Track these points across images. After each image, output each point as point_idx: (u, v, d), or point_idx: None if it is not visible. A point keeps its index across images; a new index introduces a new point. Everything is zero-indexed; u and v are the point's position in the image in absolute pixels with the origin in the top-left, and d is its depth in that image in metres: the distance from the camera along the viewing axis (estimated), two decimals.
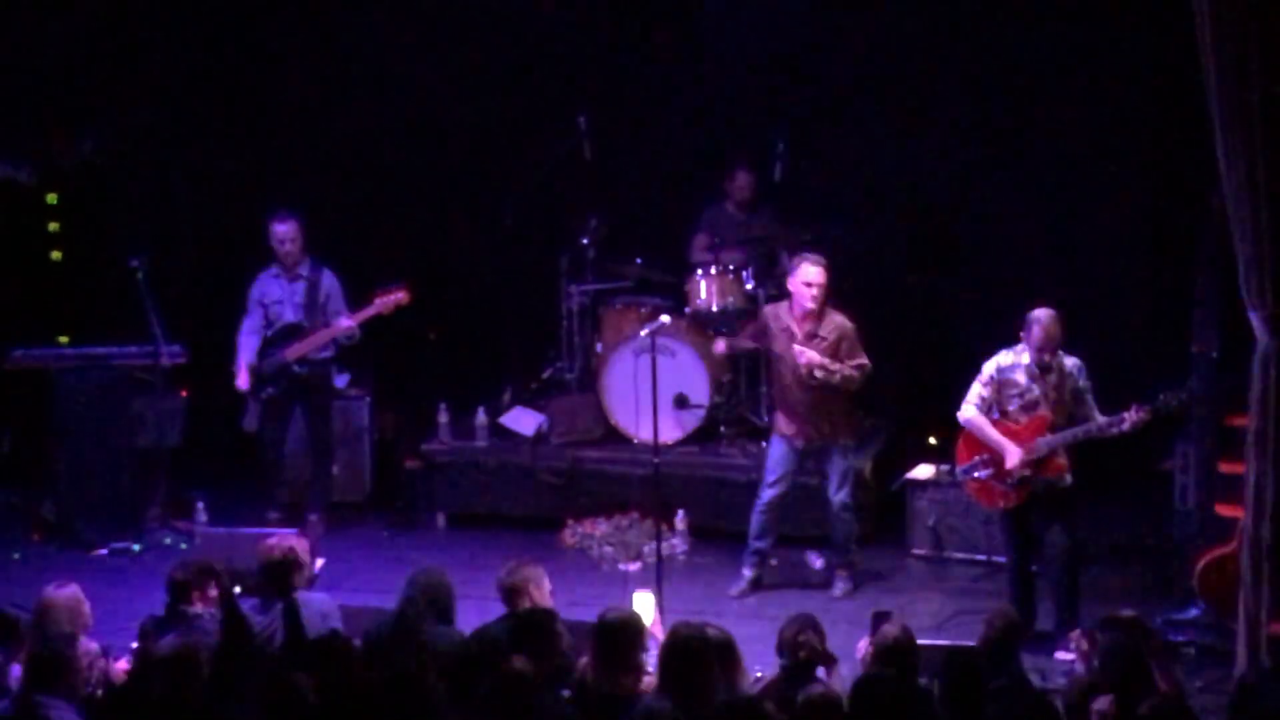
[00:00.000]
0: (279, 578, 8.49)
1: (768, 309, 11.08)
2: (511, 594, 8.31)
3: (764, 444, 11.32)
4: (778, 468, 10.92)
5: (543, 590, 8.34)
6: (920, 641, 7.72)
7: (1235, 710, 7.10)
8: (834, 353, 10.69)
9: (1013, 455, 9.74)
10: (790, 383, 10.80)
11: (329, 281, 11.91)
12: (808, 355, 10.63)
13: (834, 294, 10.85)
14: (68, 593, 8.24)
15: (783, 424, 10.91)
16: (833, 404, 10.81)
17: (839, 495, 10.90)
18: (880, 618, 8.46)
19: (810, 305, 10.66)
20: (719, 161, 13.11)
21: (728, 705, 6.91)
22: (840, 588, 10.94)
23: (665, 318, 11.05)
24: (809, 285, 10.64)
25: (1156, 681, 7.35)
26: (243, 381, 11.82)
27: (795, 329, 10.76)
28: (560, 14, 13.63)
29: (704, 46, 13.61)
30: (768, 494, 10.95)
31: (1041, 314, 9.70)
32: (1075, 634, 8.28)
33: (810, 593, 10.89)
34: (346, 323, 11.72)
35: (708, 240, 12.62)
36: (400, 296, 11.66)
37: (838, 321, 10.77)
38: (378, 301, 11.67)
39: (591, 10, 13.68)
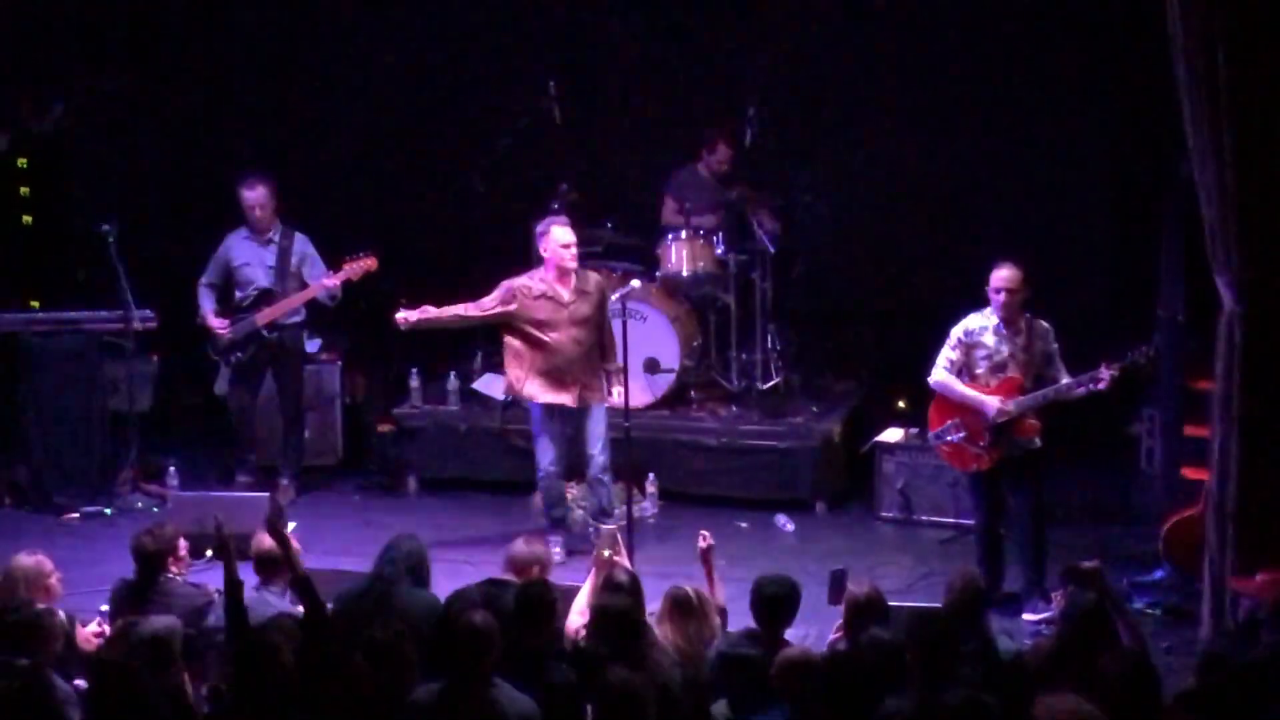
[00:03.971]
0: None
1: (514, 282, 10.85)
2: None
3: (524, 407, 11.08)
4: (551, 435, 10.90)
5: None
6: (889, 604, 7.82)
7: (1202, 671, 7.16)
8: (599, 307, 10.81)
9: (991, 406, 9.75)
10: (564, 345, 10.75)
11: (302, 245, 11.89)
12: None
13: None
14: (34, 561, 8.24)
15: (550, 391, 10.79)
16: (595, 363, 10.88)
17: (602, 457, 10.92)
18: (838, 576, 8.53)
19: (572, 264, 10.77)
20: (690, 125, 13.14)
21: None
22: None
23: (635, 282, 11.09)
24: (566, 246, 10.74)
25: (1120, 635, 7.43)
26: (218, 324, 11.80)
27: (560, 291, 10.75)
28: None
29: (677, 9, 13.62)
30: (555, 465, 10.96)
31: (1004, 273, 9.76)
32: (1056, 594, 8.32)
33: (781, 554, 10.95)
34: (331, 281, 11.68)
35: (677, 205, 12.66)
36: (369, 263, 11.66)
37: (596, 278, 10.90)
38: (346, 267, 11.67)
39: None
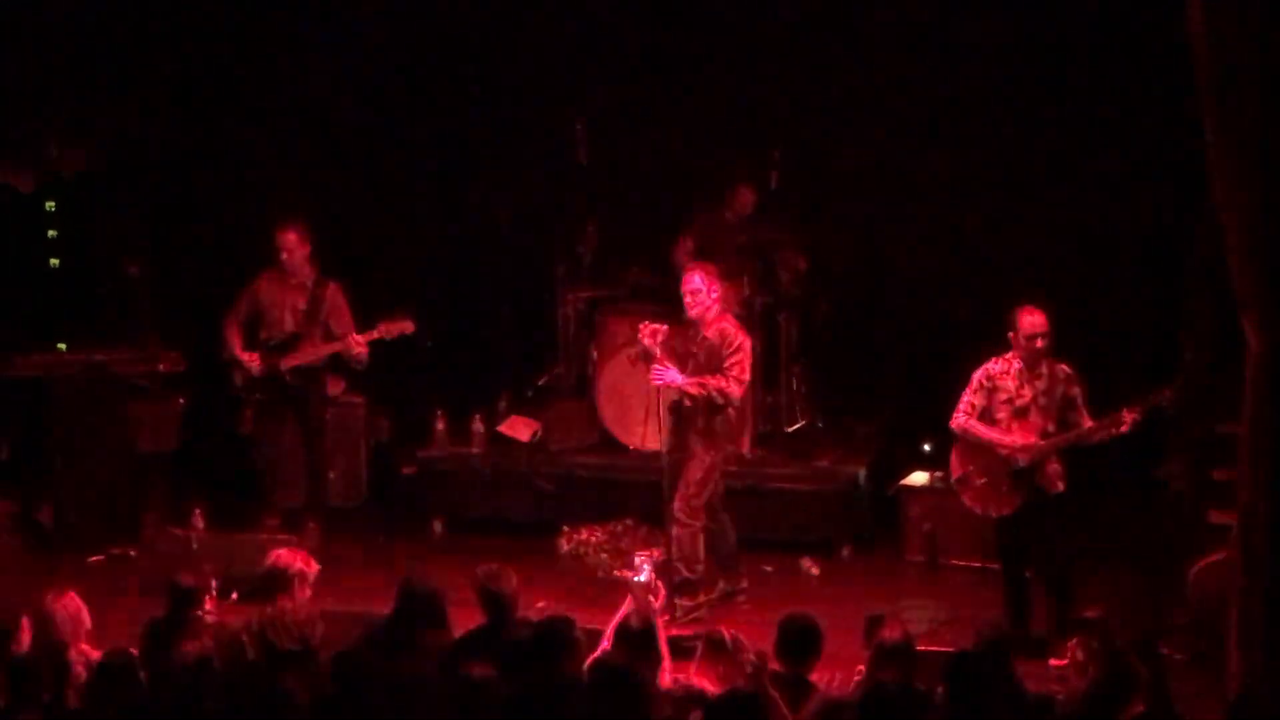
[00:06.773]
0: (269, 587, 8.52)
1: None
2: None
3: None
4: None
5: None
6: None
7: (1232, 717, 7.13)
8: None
9: (1018, 440, 9.75)
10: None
11: (334, 296, 11.87)
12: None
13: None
14: (63, 599, 8.26)
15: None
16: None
17: None
18: (875, 621, 8.49)
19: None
20: (716, 167, 13.15)
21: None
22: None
23: (663, 326, 11.05)
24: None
25: (1137, 674, 7.39)
26: (247, 357, 11.77)
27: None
28: (558, 17, 13.65)
29: (702, 51, 13.64)
30: None
31: (1026, 318, 9.75)
32: (1072, 642, 8.30)
33: (807, 597, 10.90)
34: (360, 349, 11.62)
35: (692, 246, 12.64)
36: (405, 326, 11.59)
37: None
38: (382, 327, 11.59)
39: (590, 13, 13.66)
